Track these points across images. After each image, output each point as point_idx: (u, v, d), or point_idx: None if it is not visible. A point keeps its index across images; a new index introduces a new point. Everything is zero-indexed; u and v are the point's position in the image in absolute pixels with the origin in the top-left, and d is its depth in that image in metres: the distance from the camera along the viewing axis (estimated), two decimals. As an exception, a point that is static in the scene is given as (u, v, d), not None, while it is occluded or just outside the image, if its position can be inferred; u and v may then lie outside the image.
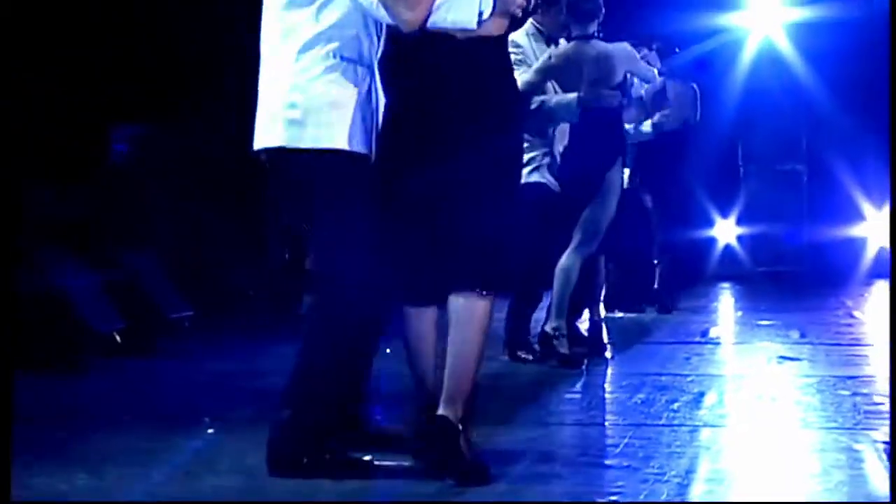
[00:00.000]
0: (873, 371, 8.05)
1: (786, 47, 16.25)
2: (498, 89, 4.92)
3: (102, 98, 11.06)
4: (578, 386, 7.75)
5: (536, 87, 8.36)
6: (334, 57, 4.80)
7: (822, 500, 4.75)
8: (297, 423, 4.91)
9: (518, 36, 7.66)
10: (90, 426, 6.32)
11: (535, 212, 7.92)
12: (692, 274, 15.09)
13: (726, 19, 16.05)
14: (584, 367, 8.29)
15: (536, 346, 8.61)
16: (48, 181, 10.08)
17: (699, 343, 9.69)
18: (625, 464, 5.34)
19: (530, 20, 7.52)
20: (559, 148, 8.69)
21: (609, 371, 8.40)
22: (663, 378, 7.74)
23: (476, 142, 4.83)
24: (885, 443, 5.67)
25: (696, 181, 15.41)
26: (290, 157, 4.87)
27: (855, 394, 7.04)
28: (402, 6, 4.63)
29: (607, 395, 7.36)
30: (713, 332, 10.39)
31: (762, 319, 11.18)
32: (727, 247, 16.56)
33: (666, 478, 5.05)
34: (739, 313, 12.56)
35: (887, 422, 6.20)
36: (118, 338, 8.71)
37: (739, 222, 16.69)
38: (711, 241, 16.47)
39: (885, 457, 5.40)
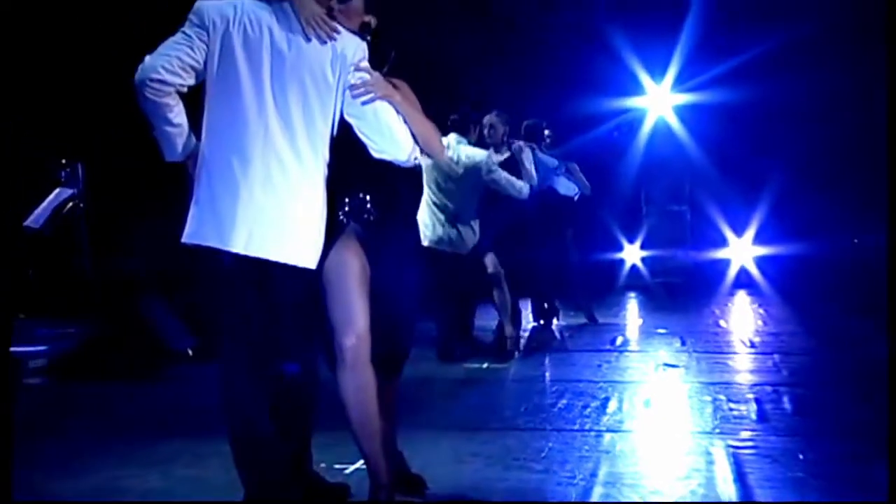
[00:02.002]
0: (731, 378, 7.78)
1: (674, 122, 16.32)
2: None
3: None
4: (518, 391, 7.45)
5: None
6: None
7: (685, 500, 4.60)
8: None
9: None
10: (164, 431, 6.04)
11: None
12: (609, 285, 15.28)
13: (632, 102, 16.18)
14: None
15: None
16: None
17: (609, 351, 9.29)
18: (547, 468, 5.14)
19: None
20: None
21: (544, 376, 8.10)
22: (581, 385, 7.42)
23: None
24: (734, 447, 5.47)
25: (611, 218, 15.75)
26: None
27: (715, 399, 6.81)
28: (436, 142, 4.34)
29: (540, 401, 6.96)
30: (619, 341, 9.97)
31: (658, 328, 10.92)
32: (633, 265, 16.53)
33: (575, 480, 4.89)
34: (641, 321, 12.22)
35: (739, 426, 6.03)
36: (190, 352, 8.59)
37: (642, 247, 16.66)
38: (622, 262, 16.48)
39: (732, 460, 5.20)
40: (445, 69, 13.28)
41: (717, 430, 5.94)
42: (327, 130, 4.01)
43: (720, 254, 16.15)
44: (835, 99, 14.04)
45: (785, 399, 6.81)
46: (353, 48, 4.03)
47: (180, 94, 3.95)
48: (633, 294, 15.28)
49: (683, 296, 14.59)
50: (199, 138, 4.03)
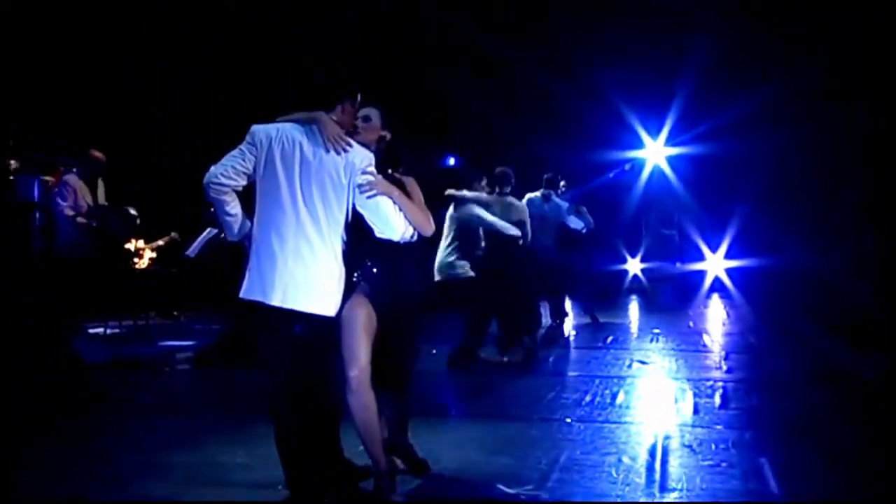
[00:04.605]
0: (683, 374, 7.31)
1: (666, 168, 16.25)
2: None
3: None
4: (522, 384, 7.02)
5: None
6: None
7: (613, 482, 4.32)
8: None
9: None
10: (254, 413, 5.26)
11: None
12: (616, 288, 15.21)
13: (636, 153, 16.24)
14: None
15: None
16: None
17: (600, 348, 8.85)
18: (525, 453, 4.83)
19: None
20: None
21: (545, 370, 7.65)
22: (570, 378, 7.04)
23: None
24: (667, 436, 5.15)
25: (618, 238, 15.72)
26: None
27: (665, 393, 6.48)
28: (427, 225, 4.17)
29: (537, 393, 6.49)
30: (609, 339, 9.55)
31: (644, 327, 10.54)
32: (634, 274, 16.35)
33: (541, 465, 4.59)
34: (631, 321, 11.77)
35: (675, 418, 5.68)
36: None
37: (642, 261, 16.52)
38: (626, 271, 16.34)
39: (662, 449, 4.88)
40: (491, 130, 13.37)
41: (659, 422, 5.64)
42: (342, 217, 4.02)
43: (699, 266, 15.91)
44: (783, 151, 13.81)
45: (717, 394, 6.48)
46: (361, 157, 4.05)
47: (237, 192, 4.01)
48: (633, 296, 15.07)
49: (671, 298, 14.28)
50: (252, 223, 4.06)
